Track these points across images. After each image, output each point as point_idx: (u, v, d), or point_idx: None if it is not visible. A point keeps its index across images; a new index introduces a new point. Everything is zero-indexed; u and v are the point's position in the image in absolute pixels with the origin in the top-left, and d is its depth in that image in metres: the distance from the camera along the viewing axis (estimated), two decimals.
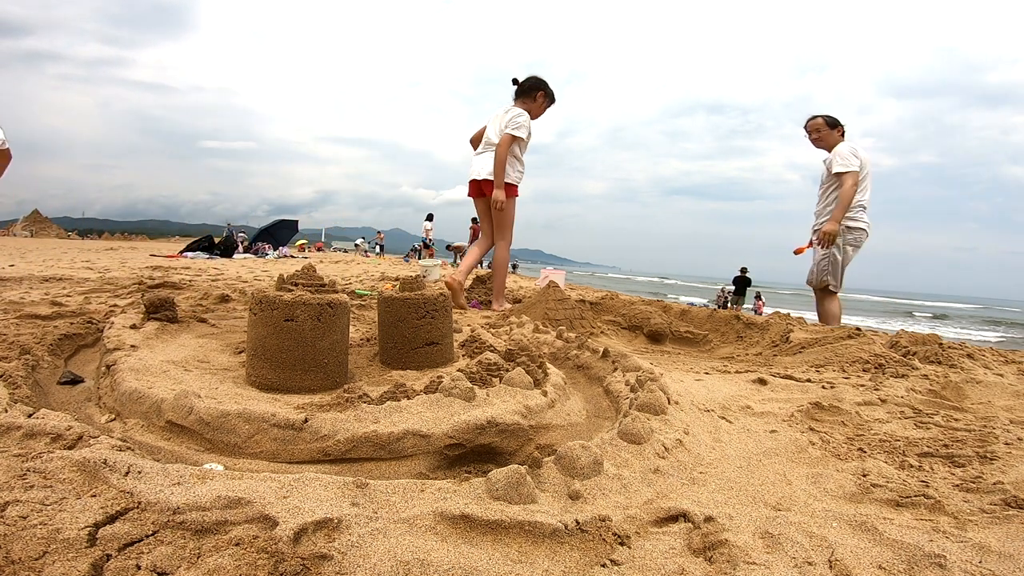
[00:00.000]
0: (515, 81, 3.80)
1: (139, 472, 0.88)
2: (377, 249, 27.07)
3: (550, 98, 3.85)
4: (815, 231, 4.21)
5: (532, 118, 3.71)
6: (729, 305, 16.68)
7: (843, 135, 4.12)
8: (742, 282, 17.58)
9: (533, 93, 3.77)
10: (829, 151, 4.10)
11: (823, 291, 4.14)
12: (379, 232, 28.05)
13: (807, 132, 4.23)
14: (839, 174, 3.92)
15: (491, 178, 3.56)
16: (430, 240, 19.78)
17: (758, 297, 18.46)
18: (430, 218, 19.60)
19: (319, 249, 29.76)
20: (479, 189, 3.69)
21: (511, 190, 3.65)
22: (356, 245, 32.56)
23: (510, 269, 21.55)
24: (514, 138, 3.54)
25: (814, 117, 4.25)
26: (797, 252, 4.31)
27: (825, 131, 4.14)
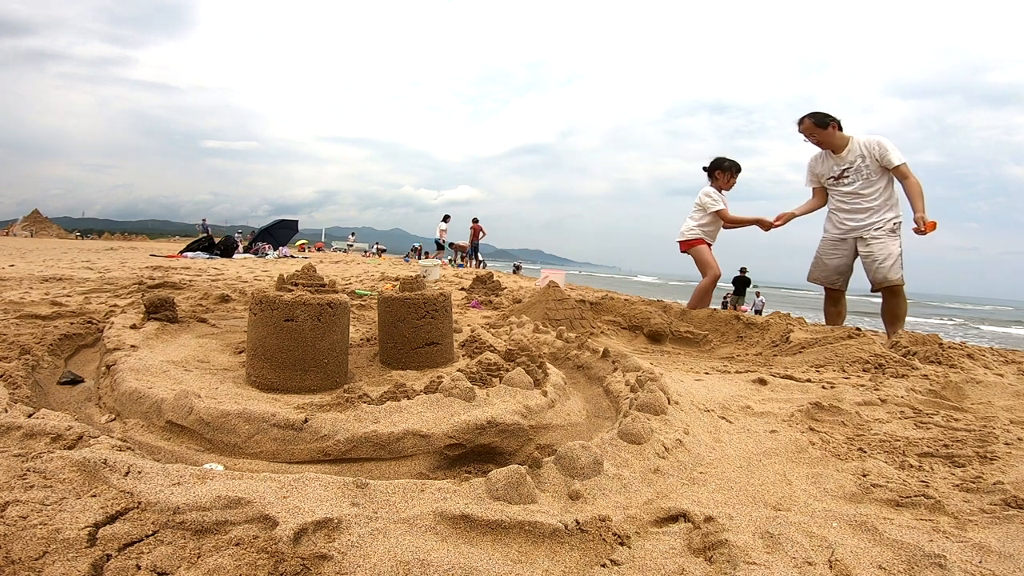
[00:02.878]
0: (704, 168, 4.83)
1: (139, 472, 0.88)
2: (374, 249, 27.13)
3: (728, 170, 4.71)
4: (842, 230, 3.91)
5: (724, 189, 4.70)
6: (729, 305, 16.76)
7: (839, 128, 3.88)
8: (741, 282, 17.69)
9: (713, 172, 4.73)
10: (837, 150, 3.87)
11: (891, 288, 3.81)
12: (376, 243, 28.67)
13: (803, 135, 4.00)
14: (900, 166, 3.69)
15: (679, 238, 4.75)
16: (443, 241, 19.23)
17: (758, 295, 18.58)
18: (446, 219, 19.01)
19: (319, 249, 29.81)
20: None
21: (694, 242, 4.67)
22: (349, 246, 32.48)
23: (512, 271, 21.63)
24: (711, 212, 4.61)
25: (802, 120, 4.01)
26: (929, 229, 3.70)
27: (818, 133, 3.90)
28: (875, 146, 3.77)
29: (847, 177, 3.91)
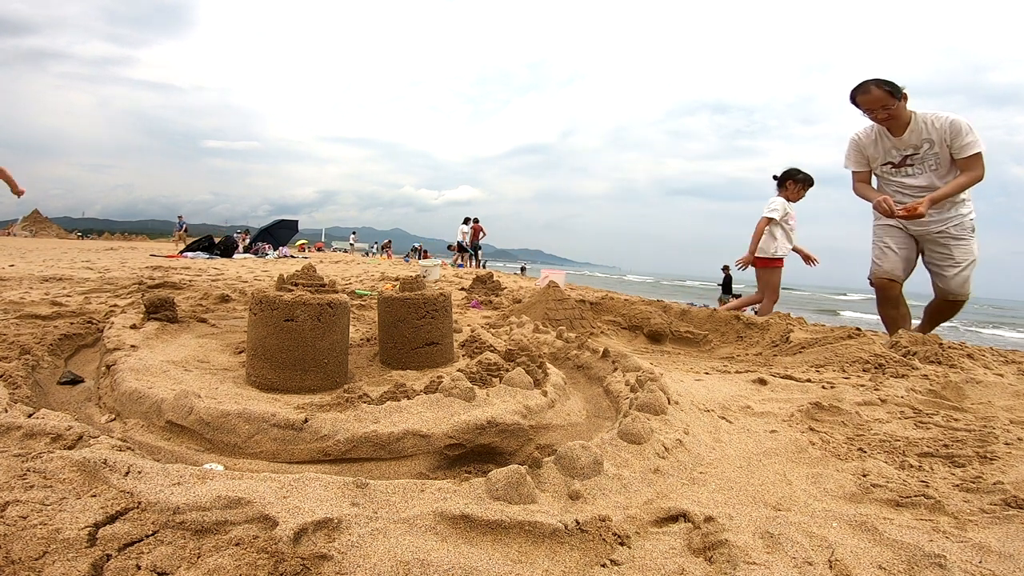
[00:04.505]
0: (774, 177, 4.65)
1: (139, 472, 0.88)
2: (375, 249, 27.30)
3: (800, 182, 4.54)
4: (904, 224, 3.22)
5: (792, 201, 4.57)
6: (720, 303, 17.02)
7: (906, 101, 3.07)
8: (727, 280, 17.98)
9: (784, 182, 4.59)
10: (898, 130, 3.09)
11: (957, 302, 3.19)
12: (388, 240, 28.95)
13: (863, 109, 3.11)
14: (975, 155, 2.93)
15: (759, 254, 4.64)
16: (466, 243, 19.34)
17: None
18: (466, 221, 19.19)
19: (319, 249, 29.90)
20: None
21: (768, 262, 4.56)
22: (351, 245, 32.65)
23: (518, 272, 21.71)
24: (768, 219, 4.50)
25: (865, 87, 3.06)
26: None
27: (892, 107, 3.01)
28: (946, 129, 2.99)
29: (911, 167, 3.13)
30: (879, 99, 3.03)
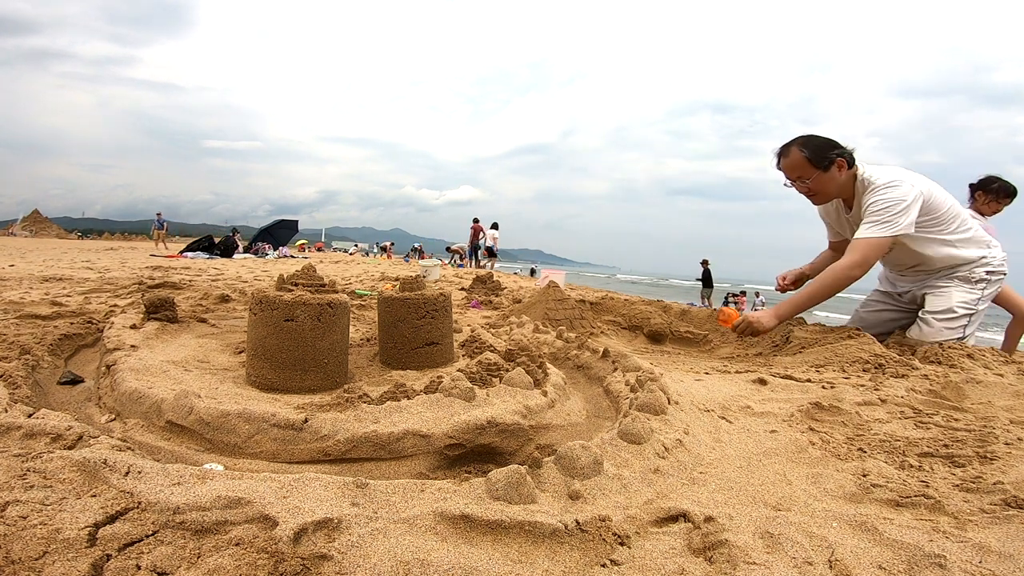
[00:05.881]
0: (970, 186, 3.98)
1: (139, 472, 0.88)
2: (375, 249, 27.66)
3: (992, 192, 3.88)
4: (897, 287, 2.74)
5: (984, 215, 4.02)
6: (702, 299, 17.18)
7: (849, 165, 2.41)
8: (708, 274, 18.01)
9: (974, 193, 4.05)
10: (845, 205, 2.53)
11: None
12: (391, 242, 29.57)
13: (786, 177, 2.53)
14: (865, 239, 2.32)
15: None
16: (495, 248, 19.46)
17: (757, 295, 18.84)
18: (495, 227, 19.30)
19: (319, 249, 30.06)
20: None
21: None
22: (346, 251, 33.59)
23: (526, 273, 21.80)
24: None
25: (787, 149, 2.41)
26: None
27: (809, 176, 2.37)
28: (869, 192, 2.35)
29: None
30: (793, 166, 2.38)
